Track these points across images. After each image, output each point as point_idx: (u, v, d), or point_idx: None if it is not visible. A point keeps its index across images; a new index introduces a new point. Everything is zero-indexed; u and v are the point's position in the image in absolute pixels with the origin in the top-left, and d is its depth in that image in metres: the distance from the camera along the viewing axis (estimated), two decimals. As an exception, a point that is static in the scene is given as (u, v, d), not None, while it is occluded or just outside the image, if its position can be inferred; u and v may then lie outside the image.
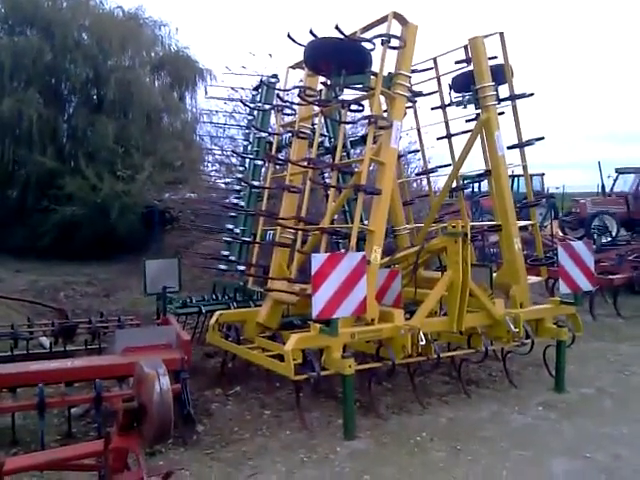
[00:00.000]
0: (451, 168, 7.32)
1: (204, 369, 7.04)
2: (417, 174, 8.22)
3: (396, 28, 6.00)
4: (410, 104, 7.25)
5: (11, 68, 17.65)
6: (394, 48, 5.89)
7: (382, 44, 5.80)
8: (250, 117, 8.33)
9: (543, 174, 23.19)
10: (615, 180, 21.80)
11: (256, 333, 6.51)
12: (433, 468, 4.77)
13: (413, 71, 7.26)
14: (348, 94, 6.44)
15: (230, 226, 7.97)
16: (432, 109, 7.44)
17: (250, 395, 6.34)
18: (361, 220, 7.91)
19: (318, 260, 5.12)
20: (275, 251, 6.78)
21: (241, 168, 8.35)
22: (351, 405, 5.34)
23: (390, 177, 5.88)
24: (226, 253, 7.89)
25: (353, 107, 6.31)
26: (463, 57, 6.97)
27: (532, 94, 6.70)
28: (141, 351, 5.34)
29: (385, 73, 5.93)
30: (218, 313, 6.62)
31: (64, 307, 8.37)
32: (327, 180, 7.61)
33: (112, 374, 5.26)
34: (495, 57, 6.77)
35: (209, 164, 15.70)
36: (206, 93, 20.90)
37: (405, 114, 6.50)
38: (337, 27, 5.61)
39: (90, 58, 18.75)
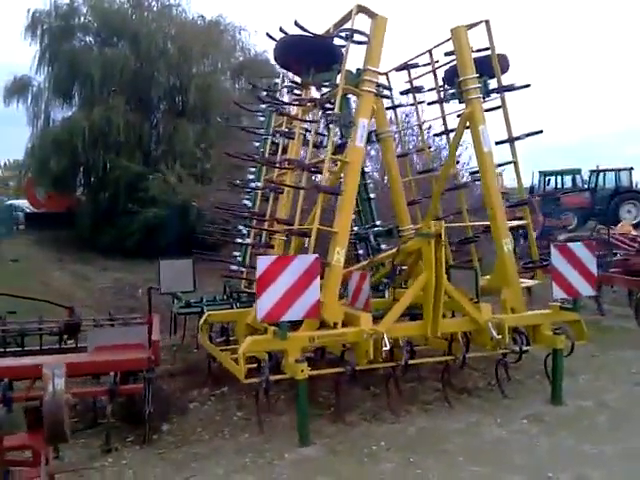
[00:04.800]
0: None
1: (202, 369, 7.12)
2: (419, 172, 7.86)
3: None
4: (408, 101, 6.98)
5: (101, 78, 18.87)
6: (359, 43, 5.67)
7: (346, 39, 5.61)
8: (262, 118, 8.37)
9: (632, 168, 21.28)
10: None
11: (245, 334, 6.52)
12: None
13: (412, 66, 7.01)
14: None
15: (241, 227, 8.05)
16: (428, 104, 7.12)
17: (233, 396, 6.33)
18: (373, 220, 7.74)
19: (263, 263, 5.04)
20: (264, 252, 6.76)
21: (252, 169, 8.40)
22: (304, 410, 5.20)
23: (355, 176, 5.67)
24: (237, 254, 7.98)
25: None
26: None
27: (528, 85, 6.22)
28: (111, 350, 5.56)
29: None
30: (207, 314, 6.68)
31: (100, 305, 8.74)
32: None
33: (78, 372, 5.46)
34: (488, 48, 6.34)
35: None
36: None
37: (373, 112, 6.22)
38: (296, 23, 5.47)
39: (174, 66, 19.66)
